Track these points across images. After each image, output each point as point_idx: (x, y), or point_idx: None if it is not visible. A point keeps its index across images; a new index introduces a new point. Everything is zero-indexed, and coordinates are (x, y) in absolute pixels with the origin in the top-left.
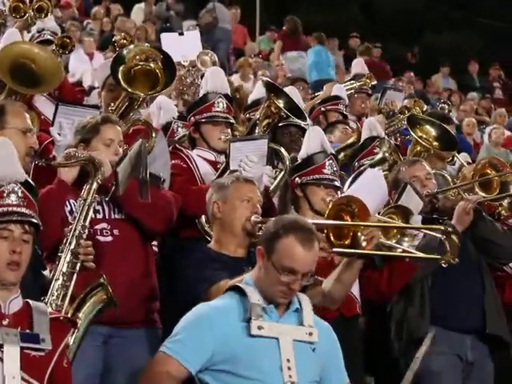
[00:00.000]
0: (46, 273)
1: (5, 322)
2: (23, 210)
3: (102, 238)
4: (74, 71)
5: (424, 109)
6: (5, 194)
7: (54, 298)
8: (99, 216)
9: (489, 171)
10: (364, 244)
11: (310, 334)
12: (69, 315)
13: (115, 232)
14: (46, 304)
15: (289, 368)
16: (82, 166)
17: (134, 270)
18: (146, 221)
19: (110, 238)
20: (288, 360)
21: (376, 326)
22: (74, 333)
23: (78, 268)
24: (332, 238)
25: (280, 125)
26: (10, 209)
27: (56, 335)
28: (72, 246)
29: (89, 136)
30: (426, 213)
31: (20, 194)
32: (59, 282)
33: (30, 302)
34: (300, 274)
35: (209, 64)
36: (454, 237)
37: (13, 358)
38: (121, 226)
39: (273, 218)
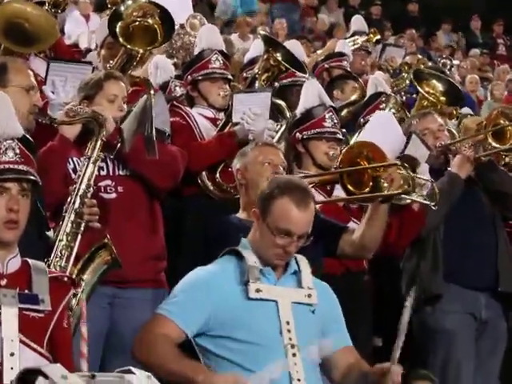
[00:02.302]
0: (50, 233)
1: (2, 283)
2: (20, 166)
3: (105, 196)
4: (70, 33)
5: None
6: (1, 151)
7: (58, 259)
8: (103, 173)
9: (501, 121)
10: (385, 187)
11: (309, 295)
12: (73, 277)
13: (119, 189)
14: (49, 265)
15: (288, 330)
16: (85, 123)
17: (139, 228)
18: (152, 177)
19: (114, 195)
20: (287, 322)
21: (385, 285)
22: (74, 293)
23: (82, 228)
24: (350, 188)
25: (287, 83)
26: (7, 166)
27: (55, 295)
28: (76, 206)
29: (92, 92)
30: (440, 165)
31: (17, 151)
32: (63, 242)
33: (29, 261)
34: (296, 236)
35: (198, 27)
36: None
37: (11, 319)
38: (125, 182)
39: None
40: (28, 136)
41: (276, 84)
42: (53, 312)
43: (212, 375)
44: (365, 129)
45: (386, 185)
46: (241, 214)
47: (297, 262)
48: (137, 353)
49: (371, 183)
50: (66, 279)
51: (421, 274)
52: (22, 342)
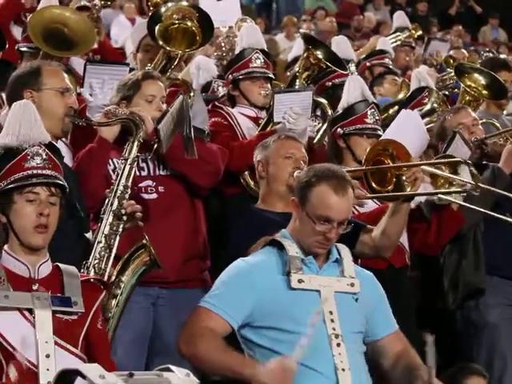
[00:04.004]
0: (89, 235)
1: (35, 287)
2: (48, 172)
3: (146, 196)
4: (116, 38)
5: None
6: (29, 157)
7: (97, 260)
8: (144, 173)
9: None
10: (408, 187)
11: (352, 284)
12: (112, 278)
13: (160, 189)
14: (88, 267)
15: (332, 320)
16: (123, 124)
17: (181, 227)
18: (192, 175)
19: (154, 195)
20: (330, 312)
21: (430, 281)
22: (114, 294)
23: (120, 229)
24: (374, 185)
25: (338, 83)
26: (35, 171)
27: (88, 297)
28: (114, 207)
29: (130, 93)
30: (476, 159)
31: (44, 157)
32: (102, 244)
33: (60, 265)
34: (335, 222)
35: None
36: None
37: (45, 322)
38: (166, 182)
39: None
40: (54, 142)
41: (328, 83)
42: (86, 314)
43: (259, 369)
44: (390, 126)
45: (407, 184)
46: (260, 205)
47: (338, 251)
48: (182, 347)
49: (393, 182)
50: (98, 282)
51: (463, 269)
52: (57, 344)
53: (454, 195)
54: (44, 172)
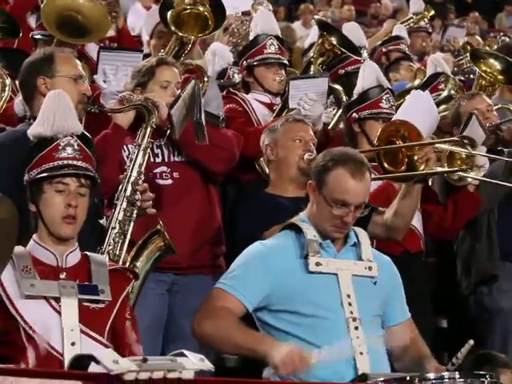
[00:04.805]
0: (103, 221)
1: (62, 276)
2: (79, 163)
3: (161, 182)
4: (133, 26)
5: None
6: (60, 147)
7: (112, 247)
8: (158, 159)
9: None
10: (421, 166)
11: (370, 268)
12: (127, 264)
13: (175, 175)
14: (102, 253)
15: (349, 304)
16: (138, 110)
17: (196, 213)
18: (207, 161)
19: (169, 181)
20: (348, 296)
21: (446, 267)
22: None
23: (134, 215)
24: (386, 165)
25: (351, 71)
26: (66, 162)
27: (116, 286)
28: (128, 193)
29: (144, 79)
30: (491, 145)
31: (76, 147)
32: (116, 230)
33: (89, 254)
34: (352, 206)
35: None
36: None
37: (71, 310)
38: (181, 168)
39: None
40: (86, 133)
41: (341, 71)
42: (113, 302)
43: (276, 346)
44: (402, 107)
45: (419, 164)
46: (271, 189)
47: (356, 235)
48: (196, 327)
49: (406, 163)
50: (126, 271)
51: (476, 255)
52: (82, 332)
53: (473, 174)
54: (74, 163)
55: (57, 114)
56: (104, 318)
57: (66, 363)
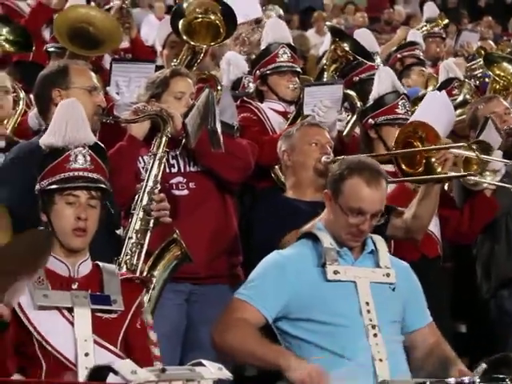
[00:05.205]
0: (120, 232)
1: (74, 286)
2: (90, 174)
3: (177, 192)
4: (146, 37)
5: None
6: (71, 158)
7: (129, 257)
8: (174, 170)
9: None
10: (439, 168)
11: (388, 275)
12: (144, 273)
13: (191, 185)
14: (120, 264)
15: (368, 311)
16: (153, 121)
17: (212, 223)
18: (222, 170)
19: (185, 192)
20: (367, 303)
21: (464, 272)
22: (147, 293)
23: (151, 225)
24: (404, 167)
25: (365, 78)
26: (76, 173)
27: (128, 296)
28: (144, 203)
29: (159, 90)
30: (507, 148)
31: (88, 158)
32: (133, 240)
33: (100, 264)
34: (368, 215)
35: None
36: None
37: (84, 320)
38: (197, 178)
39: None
40: (100, 143)
41: (355, 78)
42: (126, 312)
43: (295, 363)
44: (419, 108)
45: (437, 166)
46: (289, 194)
47: (373, 242)
48: (216, 338)
49: (423, 164)
50: (137, 280)
51: (496, 258)
52: (96, 342)
53: (490, 178)
54: (85, 174)
55: (69, 123)
56: (117, 328)
57: (80, 374)
